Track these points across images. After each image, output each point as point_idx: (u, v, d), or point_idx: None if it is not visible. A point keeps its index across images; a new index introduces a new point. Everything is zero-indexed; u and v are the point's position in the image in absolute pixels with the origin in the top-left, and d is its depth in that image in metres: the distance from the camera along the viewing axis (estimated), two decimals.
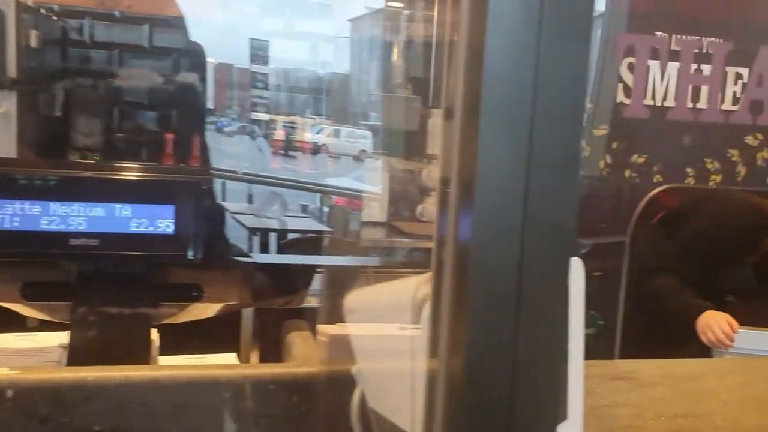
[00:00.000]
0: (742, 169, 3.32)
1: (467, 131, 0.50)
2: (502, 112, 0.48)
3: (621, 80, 3.20)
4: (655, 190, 3.00)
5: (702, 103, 3.05)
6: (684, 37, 3.10)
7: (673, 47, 3.11)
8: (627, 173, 3.35)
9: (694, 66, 3.07)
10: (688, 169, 3.31)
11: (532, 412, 0.53)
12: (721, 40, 3.14)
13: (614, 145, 3.33)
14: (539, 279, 0.51)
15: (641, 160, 3.33)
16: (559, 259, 0.51)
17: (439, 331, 0.55)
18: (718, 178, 3.31)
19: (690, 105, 3.08)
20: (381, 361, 0.80)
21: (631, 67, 3.13)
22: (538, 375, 0.53)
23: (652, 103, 3.13)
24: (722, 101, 3.03)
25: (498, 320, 0.51)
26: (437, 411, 0.55)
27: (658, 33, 3.14)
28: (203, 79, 3.67)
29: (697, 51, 3.13)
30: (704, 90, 3.04)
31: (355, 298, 0.85)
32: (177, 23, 3.86)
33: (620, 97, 3.27)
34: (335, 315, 0.95)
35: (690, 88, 3.09)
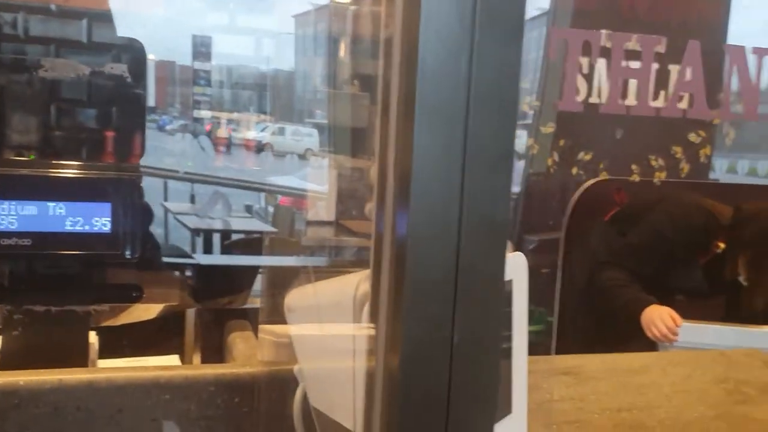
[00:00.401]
0: (685, 166, 3.40)
1: (403, 128, 0.49)
2: (436, 108, 0.48)
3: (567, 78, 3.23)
4: (587, 183, 3.05)
5: (648, 101, 3.10)
6: (626, 34, 3.16)
7: (615, 45, 3.16)
8: (574, 170, 3.39)
9: (637, 64, 3.12)
10: (633, 166, 3.38)
11: (470, 408, 0.53)
12: (666, 37, 3.22)
13: (561, 142, 3.37)
14: (476, 274, 0.51)
15: (588, 157, 3.38)
16: (495, 253, 0.51)
17: (378, 330, 0.54)
18: (663, 175, 3.38)
19: (635, 103, 3.14)
20: (322, 360, 0.78)
21: (582, 65, 3.17)
22: (476, 370, 0.52)
23: (598, 100, 3.18)
24: (668, 99, 3.09)
25: (435, 316, 0.50)
26: (376, 408, 0.54)
27: (603, 31, 3.19)
28: (143, 76, 3.58)
29: (640, 49, 3.19)
30: (650, 88, 3.10)
31: (295, 297, 0.83)
32: (115, 18, 3.76)
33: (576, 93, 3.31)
34: (277, 315, 0.92)
35: (643, 86, 3.13)
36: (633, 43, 3.07)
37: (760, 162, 3.00)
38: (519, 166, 3.61)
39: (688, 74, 2.77)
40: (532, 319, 3.04)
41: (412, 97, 0.46)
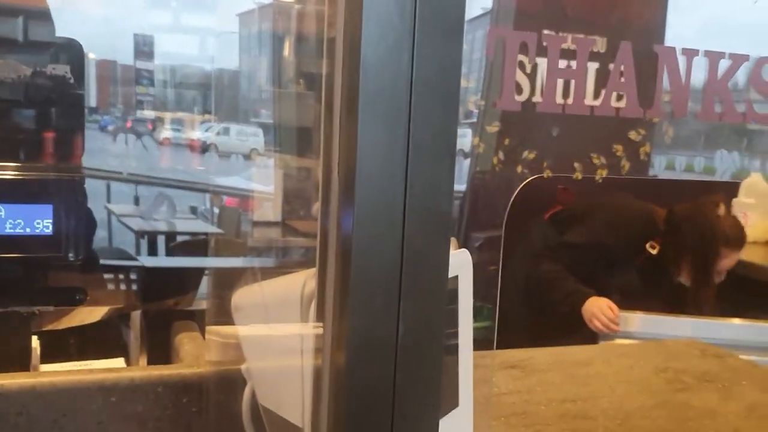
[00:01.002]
0: (626, 164, 3.48)
1: (346, 125, 0.50)
2: (379, 105, 0.48)
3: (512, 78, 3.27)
4: (525, 181, 3.10)
5: (588, 100, 3.16)
6: (566, 34, 3.22)
7: (551, 45, 3.21)
8: (519, 169, 3.44)
9: (577, 63, 3.18)
10: (576, 164, 3.44)
11: (415, 402, 0.54)
12: (606, 38, 3.29)
13: (506, 141, 3.42)
14: (420, 270, 0.52)
15: (532, 156, 3.43)
16: (438, 249, 0.52)
17: (324, 328, 0.55)
18: (605, 172, 3.46)
19: (571, 102, 3.19)
20: (270, 358, 0.78)
21: (521, 65, 3.21)
22: (421, 365, 0.53)
23: (541, 100, 3.23)
24: (609, 98, 3.15)
25: (380, 312, 0.51)
26: (323, 404, 0.55)
27: (546, 31, 3.24)
28: (82, 76, 3.50)
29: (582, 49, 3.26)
30: (590, 87, 3.16)
31: (242, 296, 0.83)
32: (53, 17, 3.67)
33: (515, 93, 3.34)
34: (224, 315, 0.92)
35: (588, 85, 3.18)
36: (569, 43, 3.13)
37: (696, 159, 3.11)
38: (465, 164, 3.65)
39: (621, 74, 2.83)
40: (480, 315, 3.08)
41: (355, 94, 0.47)
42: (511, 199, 3.05)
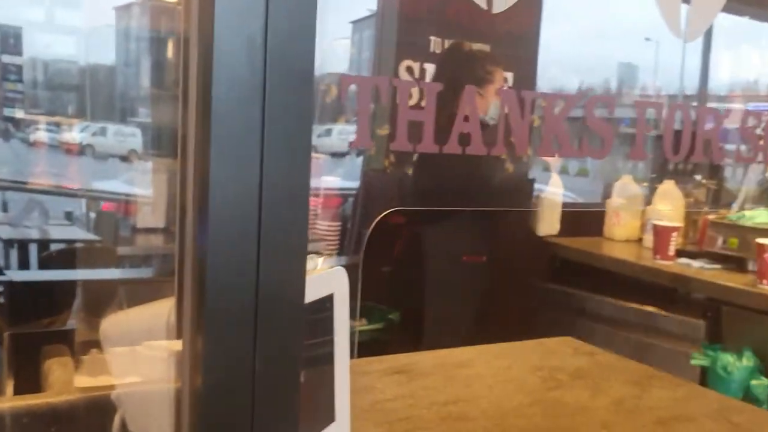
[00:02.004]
0: (510, 166, 3.60)
1: (201, 158, 0.49)
2: (232, 151, 0.48)
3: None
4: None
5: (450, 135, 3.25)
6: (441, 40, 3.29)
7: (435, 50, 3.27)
8: (409, 171, 3.49)
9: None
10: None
11: (275, 424, 0.54)
12: (489, 46, 3.39)
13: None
14: (275, 293, 0.52)
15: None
16: (294, 271, 0.53)
17: (183, 352, 0.54)
18: None
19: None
20: (138, 384, 0.76)
21: (410, 70, 3.25)
22: (279, 387, 0.54)
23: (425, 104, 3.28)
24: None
25: (236, 340, 0.51)
26: (184, 430, 0.54)
27: (432, 37, 3.30)
28: None
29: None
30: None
31: (110, 324, 0.80)
32: None
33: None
34: (96, 333, 0.88)
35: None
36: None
37: (571, 162, 3.26)
38: (358, 162, 3.67)
39: (464, 116, 2.96)
40: (372, 317, 3.11)
41: (207, 137, 0.46)
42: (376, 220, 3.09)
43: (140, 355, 0.68)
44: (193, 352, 0.52)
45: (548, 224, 3.20)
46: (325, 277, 0.74)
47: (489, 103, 2.61)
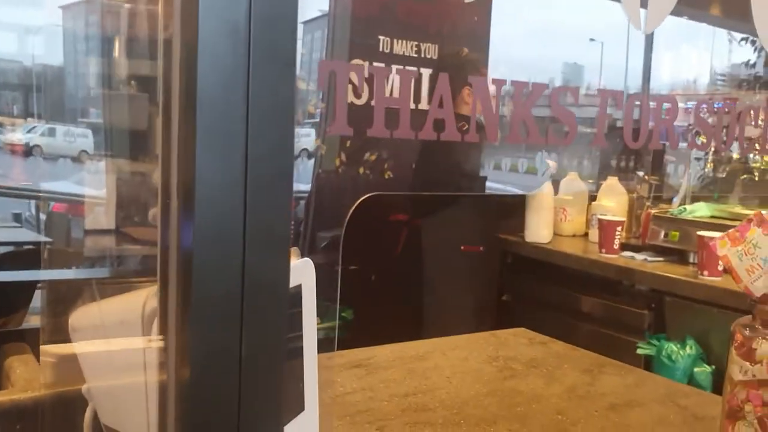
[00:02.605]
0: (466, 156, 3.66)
1: (185, 145, 0.50)
2: (216, 127, 0.49)
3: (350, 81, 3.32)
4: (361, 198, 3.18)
5: (423, 104, 3.27)
6: (402, 41, 3.32)
7: (378, 74, 3.30)
8: (361, 170, 3.51)
9: (413, 68, 3.28)
10: (414, 165, 3.56)
11: (260, 412, 0.55)
12: (437, 45, 3.43)
13: (348, 143, 3.48)
14: (261, 284, 0.53)
15: (373, 157, 3.51)
16: (280, 263, 0.54)
17: (167, 344, 0.55)
18: None
19: (413, 106, 3.29)
20: (112, 377, 0.76)
21: (359, 69, 3.27)
22: (264, 376, 0.55)
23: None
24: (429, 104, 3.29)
25: (223, 327, 0.52)
26: (170, 421, 0.55)
27: (381, 36, 3.33)
28: None
29: (416, 55, 3.38)
30: (424, 91, 3.28)
31: (80, 317, 0.80)
32: None
33: (350, 97, 3.40)
34: (61, 333, 0.88)
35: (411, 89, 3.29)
36: (403, 48, 3.25)
37: (520, 160, 3.33)
38: (309, 164, 3.67)
39: (440, 101, 3.00)
40: (327, 315, 3.12)
41: (192, 120, 0.47)
42: (355, 205, 3.11)
43: (113, 347, 0.69)
44: (179, 341, 0.53)
45: (540, 231, 3.26)
46: (294, 268, 0.76)
47: None
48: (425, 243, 3.18)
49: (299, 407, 0.82)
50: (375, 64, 3.29)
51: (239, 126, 0.49)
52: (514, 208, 3.33)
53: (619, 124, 1.31)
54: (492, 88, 1.05)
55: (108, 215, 2.58)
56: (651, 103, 1.30)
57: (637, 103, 1.25)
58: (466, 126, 1.06)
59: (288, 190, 0.50)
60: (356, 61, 3.30)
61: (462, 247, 3.10)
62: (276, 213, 0.53)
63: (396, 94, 1.01)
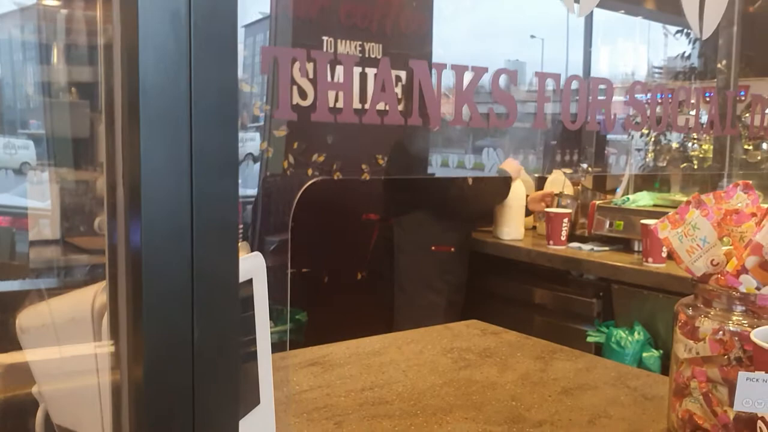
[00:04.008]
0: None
1: (129, 139, 0.50)
2: (161, 122, 0.49)
3: (294, 82, 3.31)
4: (308, 183, 3.18)
5: (368, 105, 3.28)
6: (327, 54, 3.34)
7: (319, 59, 3.31)
8: (309, 171, 3.50)
9: (359, 69, 3.28)
10: (364, 165, 3.57)
11: (215, 407, 0.55)
12: (381, 45, 3.45)
13: (295, 145, 3.46)
14: (211, 277, 0.53)
15: (321, 158, 3.51)
16: (227, 255, 0.54)
17: (119, 341, 0.55)
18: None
19: (358, 106, 3.30)
20: (64, 377, 0.75)
21: (302, 69, 3.27)
22: (219, 369, 0.55)
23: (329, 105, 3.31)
24: (374, 106, 3.30)
25: (175, 322, 0.52)
26: (124, 416, 0.54)
27: (324, 37, 3.33)
28: None
29: (360, 55, 3.39)
30: (369, 92, 3.29)
31: (28, 317, 0.78)
32: None
33: (296, 99, 3.39)
34: (7, 342, 0.86)
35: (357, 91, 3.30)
36: (346, 48, 3.26)
37: (467, 156, 3.38)
38: (255, 168, 3.65)
39: (381, 86, 3.03)
40: (280, 319, 3.11)
41: (135, 111, 0.47)
42: (294, 202, 3.10)
43: (63, 347, 0.68)
44: (130, 337, 0.52)
45: (513, 229, 3.30)
46: (244, 262, 0.77)
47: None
48: (391, 243, 3.20)
49: (254, 401, 0.82)
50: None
51: (183, 116, 0.49)
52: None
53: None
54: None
55: (53, 226, 2.53)
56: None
57: (575, 84, 1.28)
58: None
59: (234, 171, 0.51)
60: (299, 64, 3.29)
61: (433, 247, 3.14)
62: (223, 204, 0.53)
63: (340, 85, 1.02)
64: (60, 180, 2.58)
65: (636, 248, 2.94)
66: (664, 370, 2.48)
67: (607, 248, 3.02)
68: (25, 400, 0.81)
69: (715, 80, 2.40)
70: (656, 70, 3.84)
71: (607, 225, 3.04)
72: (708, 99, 1.73)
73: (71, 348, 0.69)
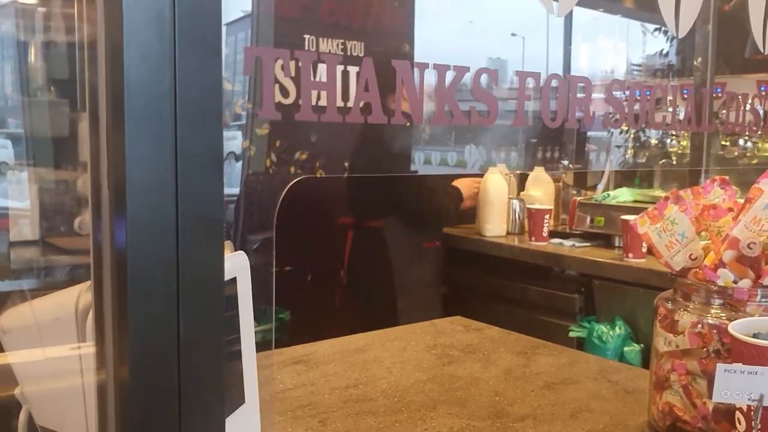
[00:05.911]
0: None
1: (113, 138, 0.50)
2: (145, 120, 0.49)
3: (276, 81, 3.30)
4: (292, 182, 3.17)
5: (351, 103, 3.28)
6: (311, 53, 3.33)
7: (303, 59, 3.30)
8: (292, 169, 3.49)
9: (341, 68, 3.28)
10: (346, 163, 3.56)
11: (201, 404, 0.55)
12: (363, 43, 3.45)
13: (277, 143, 3.46)
14: (196, 274, 0.53)
15: (303, 156, 3.50)
16: (212, 252, 0.54)
17: (104, 341, 0.55)
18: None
19: (341, 104, 3.30)
20: (47, 378, 0.75)
21: (285, 69, 3.26)
22: (204, 367, 0.55)
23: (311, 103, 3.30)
24: (357, 105, 3.30)
25: (160, 319, 0.52)
26: (110, 415, 0.54)
27: (306, 36, 3.32)
28: None
29: (342, 53, 3.39)
30: (352, 91, 3.28)
31: (11, 318, 0.78)
32: None
33: (278, 97, 3.38)
34: None
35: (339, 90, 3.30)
36: (328, 46, 3.26)
37: (449, 153, 3.39)
38: (237, 167, 3.63)
39: (365, 85, 3.04)
40: (264, 318, 3.10)
41: (120, 109, 0.47)
42: (279, 200, 3.10)
43: (45, 347, 0.68)
44: (115, 337, 0.52)
45: (495, 226, 3.31)
46: (228, 261, 0.77)
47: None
48: (373, 242, 3.21)
49: (240, 400, 0.82)
50: (302, 63, 3.28)
51: (168, 114, 0.49)
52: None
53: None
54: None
55: (33, 226, 2.51)
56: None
57: (555, 82, 1.29)
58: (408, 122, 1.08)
59: (219, 168, 0.51)
60: (281, 62, 3.29)
61: (423, 244, 3.15)
62: (208, 202, 0.53)
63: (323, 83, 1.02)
64: (39, 180, 2.56)
65: (617, 244, 2.97)
66: (645, 363, 2.50)
67: (588, 244, 3.05)
68: (8, 402, 0.81)
69: (692, 77, 2.43)
70: (635, 68, 3.87)
71: (588, 221, 3.06)
72: (685, 96, 1.75)
73: (55, 349, 0.69)
